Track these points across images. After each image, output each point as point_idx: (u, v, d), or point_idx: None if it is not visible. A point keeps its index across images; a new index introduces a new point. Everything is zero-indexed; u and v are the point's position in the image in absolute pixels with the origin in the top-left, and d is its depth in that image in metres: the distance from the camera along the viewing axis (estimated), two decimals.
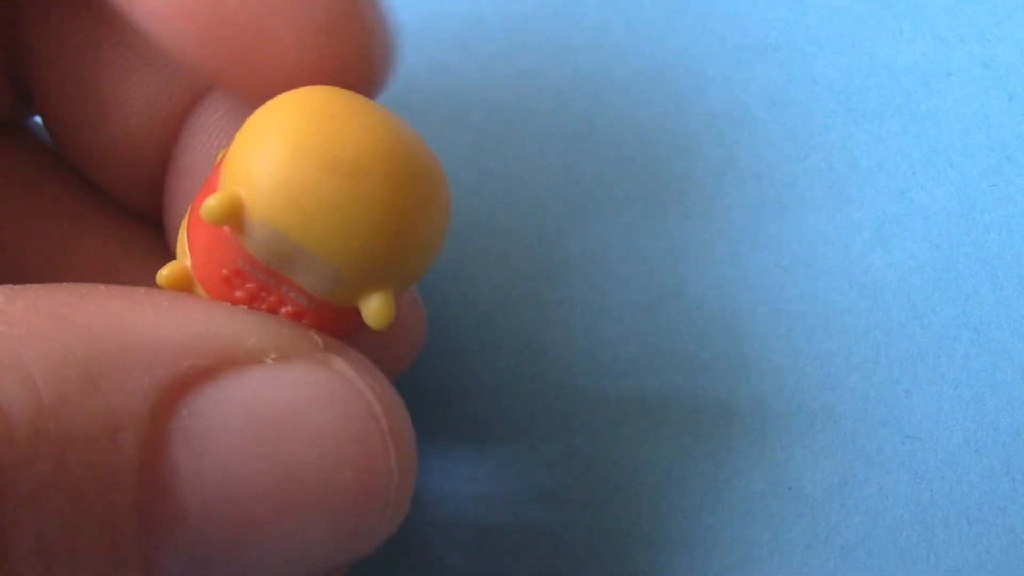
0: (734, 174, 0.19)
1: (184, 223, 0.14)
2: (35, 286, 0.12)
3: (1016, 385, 0.17)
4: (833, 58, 0.20)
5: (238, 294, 0.13)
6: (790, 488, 0.17)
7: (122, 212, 0.18)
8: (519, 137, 0.21)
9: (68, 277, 0.17)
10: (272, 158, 0.12)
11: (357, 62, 0.14)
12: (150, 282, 0.14)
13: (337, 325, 0.14)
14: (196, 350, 0.12)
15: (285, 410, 0.12)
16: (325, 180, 0.12)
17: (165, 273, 0.14)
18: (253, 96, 0.14)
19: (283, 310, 0.13)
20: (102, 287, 0.12)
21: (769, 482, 0.17)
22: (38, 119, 0.19)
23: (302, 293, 0.13)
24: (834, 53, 0.20)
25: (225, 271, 0.13)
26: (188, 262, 0.14)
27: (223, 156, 0.14)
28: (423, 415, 0.20)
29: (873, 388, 0.17)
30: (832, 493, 0.17)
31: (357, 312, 0.13)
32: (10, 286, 0.12)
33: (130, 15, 0.14)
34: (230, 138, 0.16)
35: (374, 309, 0.13)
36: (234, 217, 0.13)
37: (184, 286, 0.14)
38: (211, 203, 0.13)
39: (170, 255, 0.16)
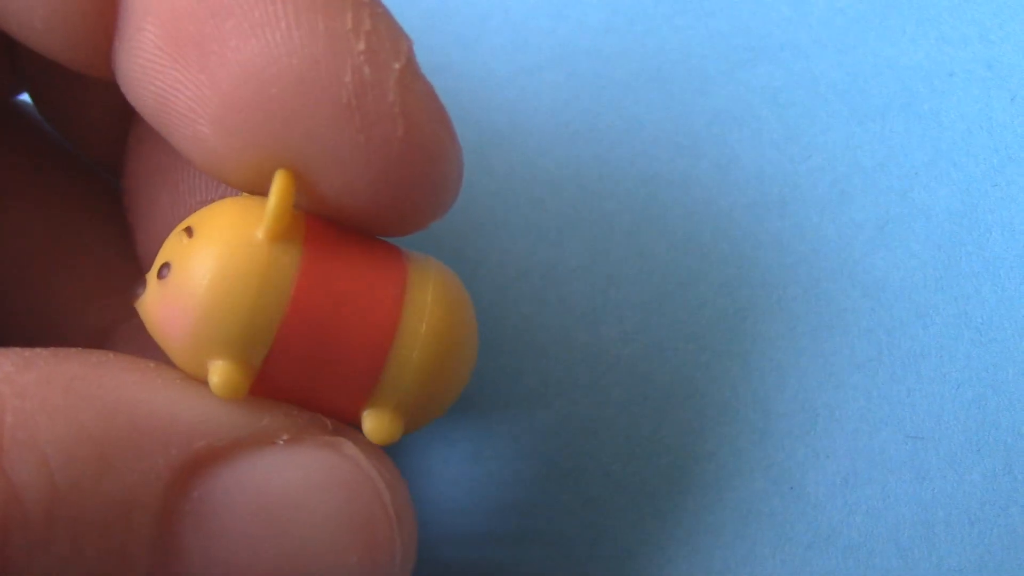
0: (736, 173, 0.19)
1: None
2: (45, 353, 0.12)
3: (1018, 385, 0.17)
4: (836, 58, 0.20)
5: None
6: (792, 487, 0.17)
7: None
8: (521, 135, 0.21)
9: (68, 267, 0.16)
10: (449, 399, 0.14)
11: (423, 203, 0.13)
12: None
13: None
14: (209, 430, 0.12)
15: (295, 494, 0.12)
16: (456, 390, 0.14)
17: (218, 381, 0.12)
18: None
19: None
20: (113, 356, 0.12)
21: (771, 481, 0.17)
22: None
23: None
24: (837, 53, 0.20)
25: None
26: (255, 362, 0.13)
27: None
28: None
29: (875, 387, 0.17)
30: (834, 492, 0.17)
31: None
32: (19, 351, 0.12)
33: (181, 151, 0.13)
34: None
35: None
36: None
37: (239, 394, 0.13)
38: (394, 433, 0.13)
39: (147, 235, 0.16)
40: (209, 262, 0.12)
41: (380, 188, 0.13)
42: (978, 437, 0.17)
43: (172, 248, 0.13)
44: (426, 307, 0.13)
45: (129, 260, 0.17)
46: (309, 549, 0.12)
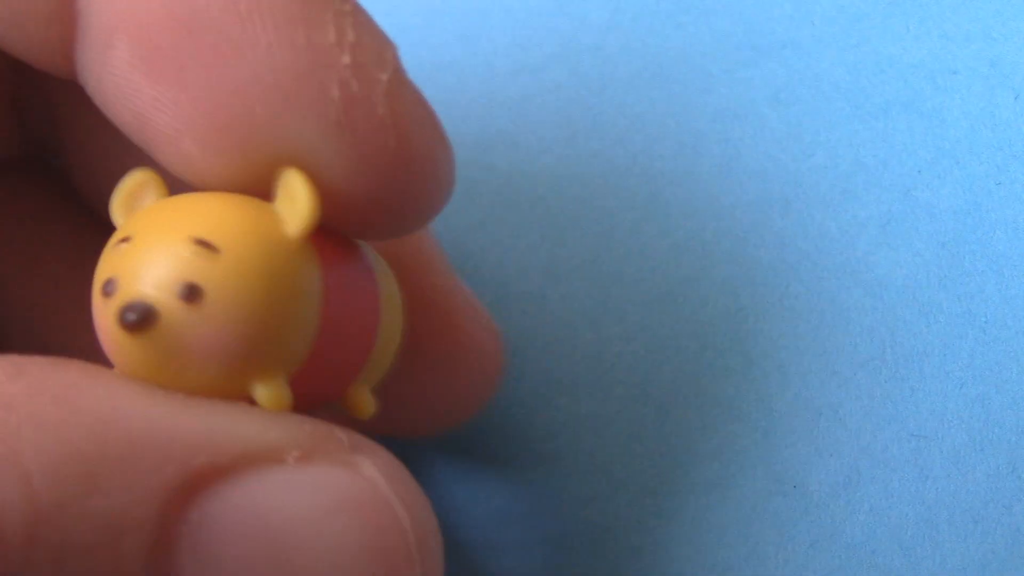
0: (739, 171, 0.19)
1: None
2: (42, 361, 0.11)
3: (1021, 383, 0.17)
4: (839, 56, 0.19)
5: None
6: (795, 486, 0.17)
7: None
8: (522, 133, 0.21)
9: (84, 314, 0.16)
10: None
11: (417, 208, 0.13)
12: None
13: None
14: (212, 445, 0.11)
15: (304, 519, 0.11)
16: None
17: (270, 396, 0.12)
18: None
19: None
20: (112, 370, 0.12)
21: (774, 480, 0.17)
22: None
23: None
24: (840, 51, 0.20)
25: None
26: (294, 370, 0.12)
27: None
28: None
29: (878, 386, 0.17)
30: (837, 491, 0.17)
31: None
32: (13, 359, 0.11)
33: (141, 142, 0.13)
34: None
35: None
36: None
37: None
38: (375, 406, 0.14)
39: None
40: (256, 279, 0.12)
41: (372, 198, 0.12)
42: (982, 436, 0.17)
43: (192, 266, 0.12)
44: (394, 293, 0.14)
45: None
46: None
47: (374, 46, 0.12)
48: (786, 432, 0.18)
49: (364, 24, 0.12)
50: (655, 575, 0.18)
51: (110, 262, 0.12)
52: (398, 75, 0.12)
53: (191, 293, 0.11)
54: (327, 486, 0.11)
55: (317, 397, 0.13)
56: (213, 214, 0.12)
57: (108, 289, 0.12)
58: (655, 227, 0.19)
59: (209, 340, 0.12)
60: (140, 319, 0.11)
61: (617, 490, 0.18)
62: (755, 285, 0.19)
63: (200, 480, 0.11)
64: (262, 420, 0.11)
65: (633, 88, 0.20)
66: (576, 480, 0.18)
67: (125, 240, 0.12)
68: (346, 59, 0.12)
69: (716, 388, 0.18)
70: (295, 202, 0.12)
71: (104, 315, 0.12)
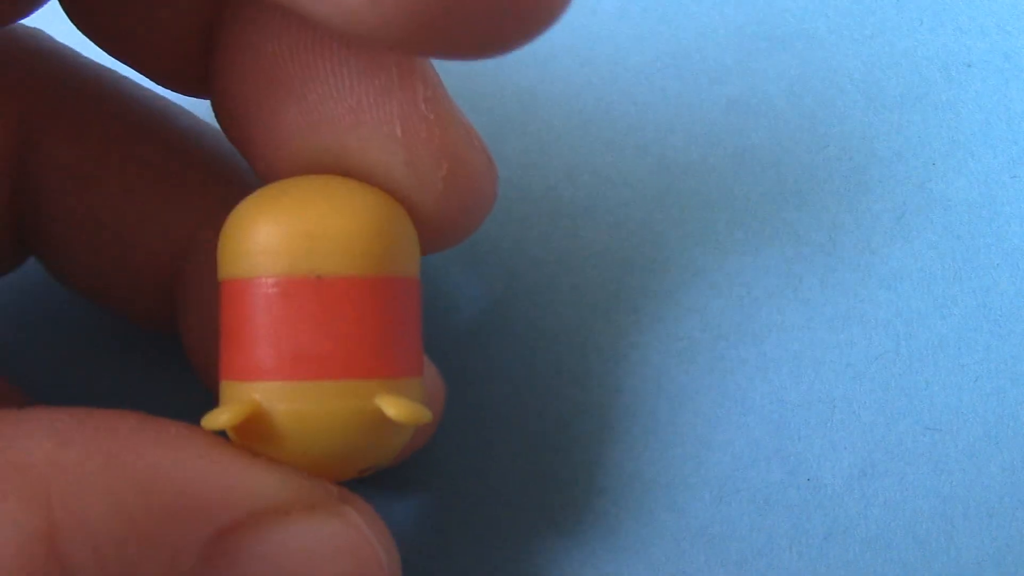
0: (752, 162, 0.19)
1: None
2: (72, 422, 0.13)
3: None
4: (853, 48, 0.19)
5: None
6: (809, 479, 0.17)
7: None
8: (534, 123, 0.20)
9: (130, 187, 0.17)
10: None
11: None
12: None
13: None
14: (233, 503, 0.13)
15: (309, 561, 0.13)
16: None
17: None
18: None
19: None
20: (138, 423, 0.13)
21: (787, 473, 0.17)
22: None
23: None
24: (854, 43, 0.19)
25: None
26: None
27: None
28: None
29: (893, 379, 0.17)
30: (851, 484, 0.17)
31: None
32: (49, 422, 0.13)
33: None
34: None
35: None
36: None
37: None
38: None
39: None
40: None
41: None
42: (996, 429, 0.17)
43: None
44: None
45: (192, 169, 0.17)
46: None
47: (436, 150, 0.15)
48: (800, 425, 0.18)
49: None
50: (668, 568, 0.18)
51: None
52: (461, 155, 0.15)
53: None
54: (325, 533, 0.14)
55: None
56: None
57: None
58: (667, 218, 0.19)
59: None
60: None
61: (628, 482, 0.18)
62: (768, 276, 0.18)
63: (225, 533, 0.13)
64: (273, 479, 0.14)
65: (645, 78, 0.20)
66: (586, 471, 0.18)
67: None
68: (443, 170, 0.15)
69: (729, 380, 0.18)
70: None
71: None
